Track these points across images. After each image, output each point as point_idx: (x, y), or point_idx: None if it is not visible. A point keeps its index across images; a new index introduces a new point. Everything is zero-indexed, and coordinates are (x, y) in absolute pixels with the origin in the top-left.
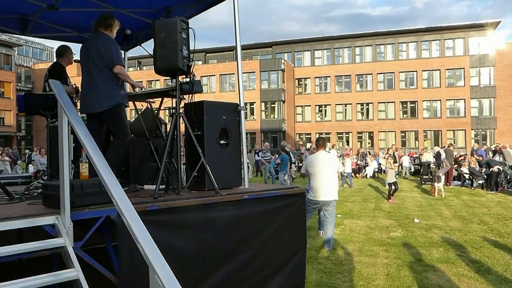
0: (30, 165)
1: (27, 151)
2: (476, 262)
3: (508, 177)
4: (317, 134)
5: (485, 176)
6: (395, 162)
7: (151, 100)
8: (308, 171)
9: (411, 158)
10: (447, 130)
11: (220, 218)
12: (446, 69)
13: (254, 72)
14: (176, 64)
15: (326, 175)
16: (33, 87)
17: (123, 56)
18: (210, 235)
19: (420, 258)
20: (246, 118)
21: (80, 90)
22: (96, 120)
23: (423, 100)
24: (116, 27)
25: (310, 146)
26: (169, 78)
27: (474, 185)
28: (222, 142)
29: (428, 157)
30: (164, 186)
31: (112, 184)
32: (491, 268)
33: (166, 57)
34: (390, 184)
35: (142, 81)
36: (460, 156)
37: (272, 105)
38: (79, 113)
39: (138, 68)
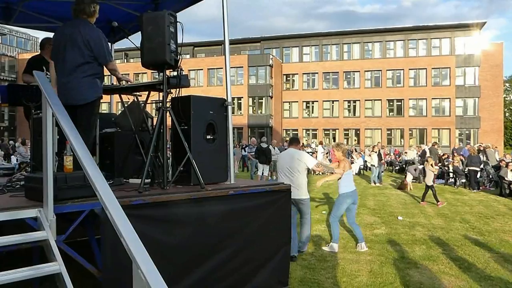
0: (12, 156)
1: (10, 142)
2: (458, 259)
3: (490, 177)
4: (304, 130)
5: (467, 175)
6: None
7: (137, 93)
8: None
9: (396, 155)
10: (432, 128)
11: (205, 213)
12: (432, 68)
13: (242, 67)
14: (163, 58)
15: (284, 173)
16: (17, 77)
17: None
18: (195, 230)
19: (403, 255)
20: (233, 113)
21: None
22: (73, 112)
23: (409, 99)
24: (97, 14)
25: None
26: (157, 71)
27: (457, 183)
28: (208, 137)
29: (412, 155)
30: (149, 180)
31: (96, 177)
32: (471, 266)
33: (153, 51)
34: (428, 187)
35: (129, 74)
36: (444, 154)
37: (260, 101)
38: None
39: (125, 60)
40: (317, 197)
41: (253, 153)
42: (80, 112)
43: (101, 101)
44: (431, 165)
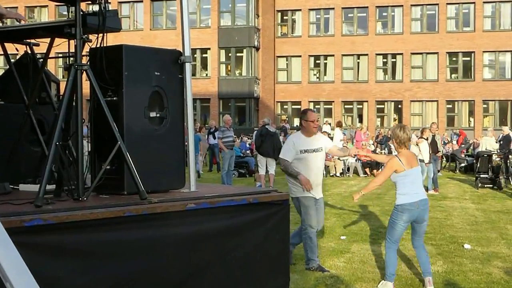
0: None
1: None
2: None
3: None
4: (312, 104)
5: None
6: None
7: (32, 41)
8: None
9: (462, 145)
10: None
11: (146, 240)
12: None
13: None
14: None
15: None
16: None
17: None
18: (131, 266)
19: None
20: (194, 75)
21: None
22: None
23: (484, 51)
24: None
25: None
26: (64, 4)
27: None
28: (153, 114)
29: (488, 143)
30: (54, 187)
31: None
32: None
33: None
34: None
35: (17, 8)
36: None
37: (239, 54)
38: None
39: None
40: (333, 211)
41: (228, 141)
42: None
43: None
44: None
